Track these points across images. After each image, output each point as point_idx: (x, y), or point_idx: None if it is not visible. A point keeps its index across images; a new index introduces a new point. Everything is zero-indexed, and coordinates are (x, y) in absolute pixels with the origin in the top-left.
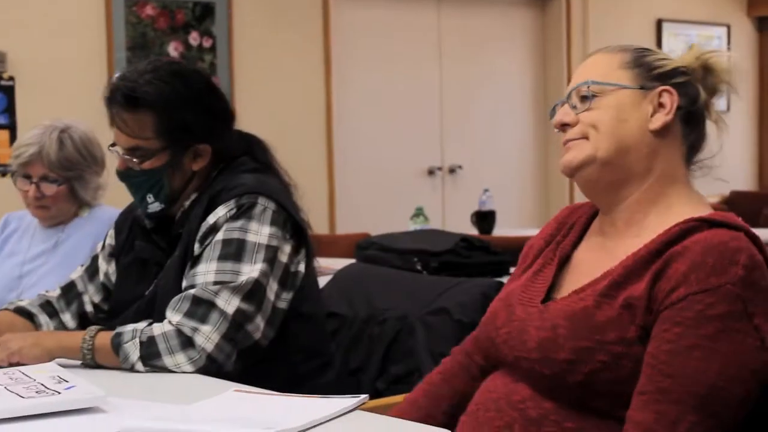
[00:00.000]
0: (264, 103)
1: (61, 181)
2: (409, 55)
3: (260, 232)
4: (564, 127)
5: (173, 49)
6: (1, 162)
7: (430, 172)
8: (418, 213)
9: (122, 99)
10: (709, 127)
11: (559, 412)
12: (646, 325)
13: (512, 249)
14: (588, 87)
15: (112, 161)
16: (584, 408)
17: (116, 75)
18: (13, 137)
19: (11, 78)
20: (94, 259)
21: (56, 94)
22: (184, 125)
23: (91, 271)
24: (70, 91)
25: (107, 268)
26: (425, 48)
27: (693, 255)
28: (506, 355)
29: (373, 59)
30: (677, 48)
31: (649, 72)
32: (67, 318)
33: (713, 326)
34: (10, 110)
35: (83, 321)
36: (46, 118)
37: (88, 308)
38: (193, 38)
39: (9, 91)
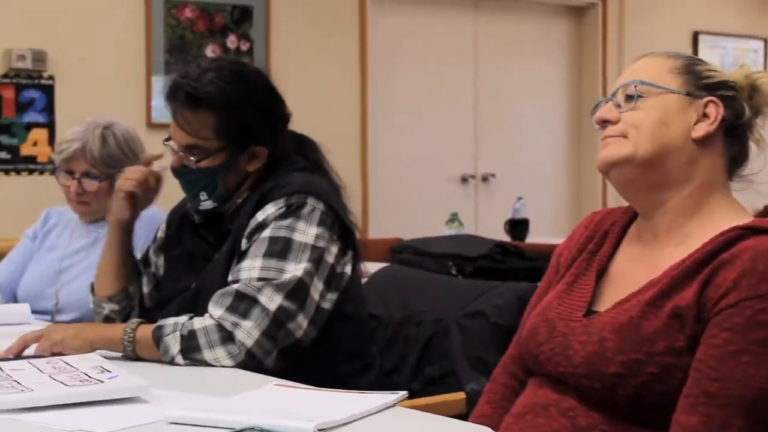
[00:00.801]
0: (299, 106)
1: (102, 178)
2: (444, 62)
3: (307, 232)
4: (604, 123)
5: (210, 52)
6: (40, 160)
7: (463, 180)
8: (453, 218)
9: (184, 97)
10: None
11: (607, 422)
12: (696, 334)
13: (546, 255)
14: (636, 86)
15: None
16: (633, 419)
17: (178, 72)
18: (51, 135)
19: (51, 77)
20: (147, 250)
21: (95, 94)
22: (244, 127)
23: (145, 260)
24: (109, 92)
25: (157, 261)
26: (461, 55)
27: (743, 262)
28: (551, 372)
29: (409, 65)
30: (713, 60)
31: (697, 81)
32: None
33: (762, 332)
34: (50, 109)
35: (140, 302)
36: (83, 118)
37: (145, 290)
38: (231, 41)
39: (49, 90)
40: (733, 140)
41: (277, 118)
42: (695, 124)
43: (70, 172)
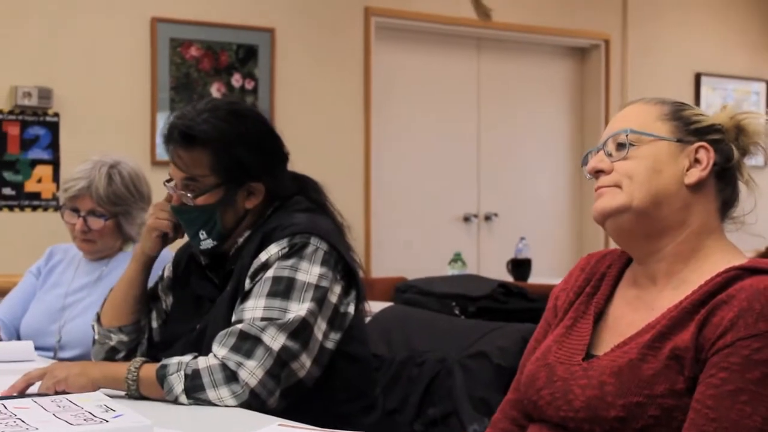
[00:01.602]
0: (303, 145)
1: (108, 216)
2: (448, 101)
3: (310, 272)
4: (598, 173)
5: (216, 90)
6: (44, 196)
7: (466, 219)
8: (457, 258)
9: (179, 136)
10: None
11: None
12: (695, 375)
13: (548, 296)
14: (627, 135)
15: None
16: None
17: (174, 113)
18: (56, 172)
19: (56, 114)
20: (155, 286)
21: (100, 131)
22: (239, 163)
23: (153, 296)
24: (114, 129)
25: (165, 299)
26: (464, 95)
27: (739, 302)
28: (551, 417)
29: (413, 104)
30: (715, 102)
31: (686, 126)
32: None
33: (760, 371)
34: (54, 146)
35: (148, 336)
36: (88, 155)
37: (154, 324)
38: (236, 80)
39: (53, 127)
40: (724, 183)
41: (274, 155)
42: (687, 170)
43: (76, 210)
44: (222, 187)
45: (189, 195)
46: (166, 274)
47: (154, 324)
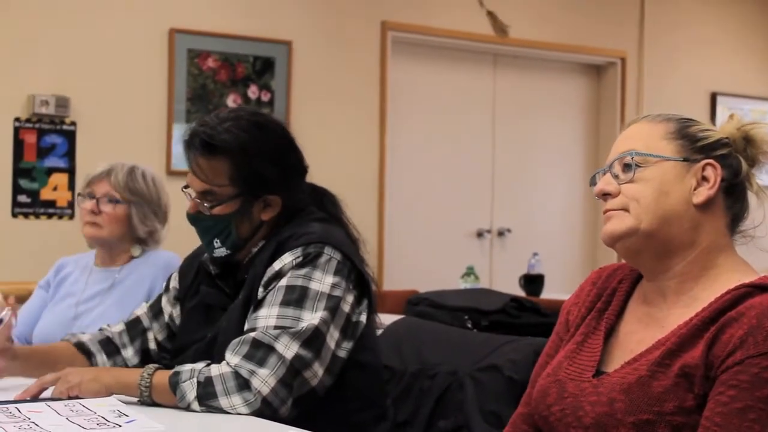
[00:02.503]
0: (318, 158)
1: (121, 202)
2: (463, 117)
3: (323, 281)
4: (605, 196)
5: (232, 102)
6: (59, 204)
7: (479, 234)
8: (469, 272)
9: (200, 144)
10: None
11: None
12: (705, 393)
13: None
14: (632, 158)
15: (175, 208)
16: None
17: (197, 121)
18: (72, 181)
19: (73, 123)
20: (159, 298)
21: (116, 140)
22: (258, 175)
23: (156, 309)
24: (130, 138)
25: (171, 311)
26: (480, 110)
27: (749, 320)
28: None
29: (428, 119)
30: None
31: (693, 144)
32: (130, 354)
33: None
34: (71, 154)
35: (146, 357)
36: (105, 164)
37: (152, 345)
38: (252, 92)
39: (70, 136)
40: (733, 200)
41: (293, 169)
42: (695, 189)
43: (92, 196)
44: (239, 198)
45: (206, 205)
46: (172, 284)
47: (152, 341)
